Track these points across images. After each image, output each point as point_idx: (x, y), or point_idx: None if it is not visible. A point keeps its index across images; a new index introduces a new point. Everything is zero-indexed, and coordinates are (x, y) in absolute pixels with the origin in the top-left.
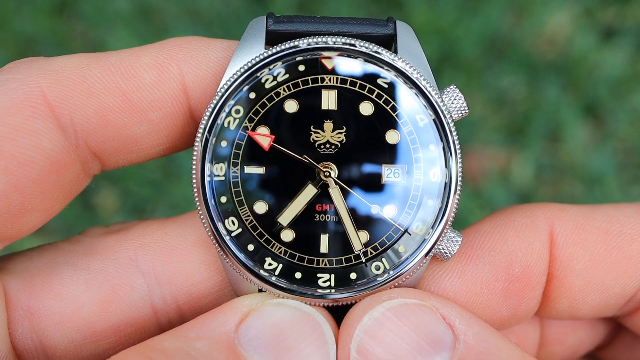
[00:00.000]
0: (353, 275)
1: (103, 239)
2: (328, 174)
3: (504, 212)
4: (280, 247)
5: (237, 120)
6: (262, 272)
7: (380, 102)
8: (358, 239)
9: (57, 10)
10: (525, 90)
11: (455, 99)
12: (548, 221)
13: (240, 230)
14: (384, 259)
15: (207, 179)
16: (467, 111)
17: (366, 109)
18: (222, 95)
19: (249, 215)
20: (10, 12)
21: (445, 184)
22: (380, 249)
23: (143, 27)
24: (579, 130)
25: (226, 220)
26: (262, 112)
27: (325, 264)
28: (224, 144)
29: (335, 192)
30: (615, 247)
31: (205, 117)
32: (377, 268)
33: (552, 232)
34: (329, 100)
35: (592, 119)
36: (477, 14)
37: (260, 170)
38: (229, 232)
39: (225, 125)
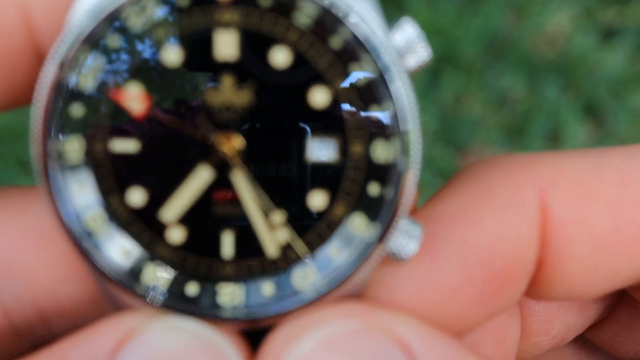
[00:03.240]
0: (269, 287)
1: None
2: (229, 148)
3: (477, 182)
4: (166, 251)
5: (97, 76)
6: (141, 286)
7: (301, 47)
8: (273, 239)
9: None
10: (525, 90)
11: (409, 40)
12: (539, 192)
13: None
14: (311, 265)
15: (54, 156)
16: (427, 57)
17: (280, 57)
18: (74, 40)
19: (121, 210)
20: None
21: (396, 162)
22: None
23: None
24: (579, 130)
25: (88, 218)
26: (133, 64)
27: (229, 273)
28: (78, 109)
29: (238, 175)
30: (630, 222)
31: (49, 70)
32: (303, 277)
33: (545, 206)
34: (226, 45)
35: (592, 119)
36: (477, 14)
37: (133, 146)
38: (91, 233)
39: (80, 83)
